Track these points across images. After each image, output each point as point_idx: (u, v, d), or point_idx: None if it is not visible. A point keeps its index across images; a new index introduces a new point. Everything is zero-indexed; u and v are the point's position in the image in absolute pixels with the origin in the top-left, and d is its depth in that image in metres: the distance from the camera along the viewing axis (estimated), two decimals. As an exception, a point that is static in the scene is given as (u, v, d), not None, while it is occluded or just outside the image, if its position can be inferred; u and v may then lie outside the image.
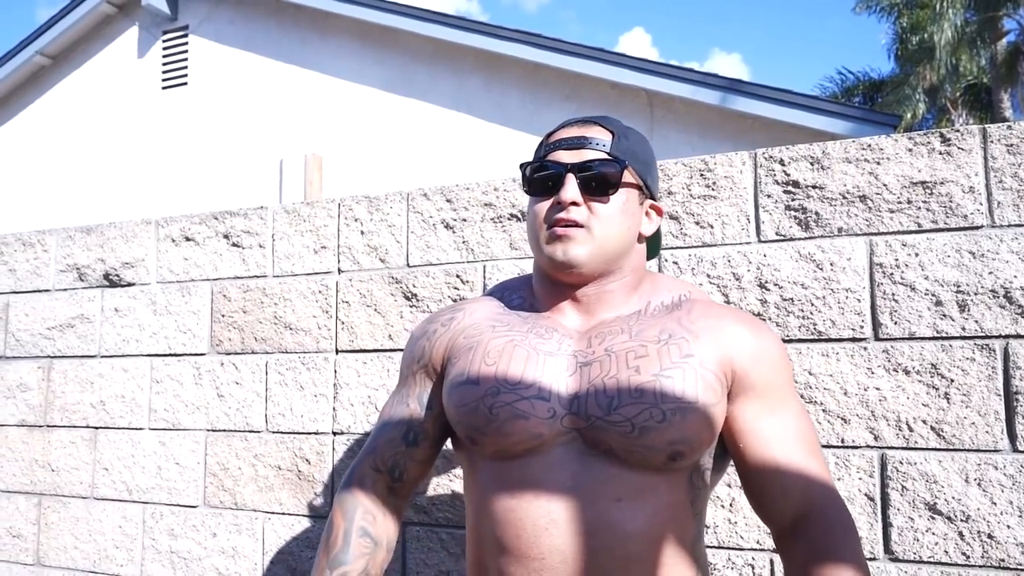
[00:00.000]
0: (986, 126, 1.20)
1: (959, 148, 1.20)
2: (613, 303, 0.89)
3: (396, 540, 0.96)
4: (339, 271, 1.62)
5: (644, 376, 0.81)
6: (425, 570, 1.45)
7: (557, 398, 0.83)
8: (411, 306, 1.54)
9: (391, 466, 0.93)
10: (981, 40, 12.23)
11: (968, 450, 1.15)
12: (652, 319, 0.87)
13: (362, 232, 1.61)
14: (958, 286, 1.18)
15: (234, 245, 1.73)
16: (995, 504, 1.12)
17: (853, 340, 1.22)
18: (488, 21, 5.44)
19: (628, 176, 0.89)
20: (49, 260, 1.93)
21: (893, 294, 1.21)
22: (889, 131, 4.36)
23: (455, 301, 1.50)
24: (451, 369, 0.90)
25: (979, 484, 1.13)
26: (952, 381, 1.17)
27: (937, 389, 1.17)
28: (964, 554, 1.13)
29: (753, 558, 1.24)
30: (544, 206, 0.88)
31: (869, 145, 1.25)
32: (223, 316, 1.71)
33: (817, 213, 1.27)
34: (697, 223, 1.35)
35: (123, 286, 1.84)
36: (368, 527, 0.89)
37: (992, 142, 1.19)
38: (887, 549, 1.17)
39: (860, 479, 1.20)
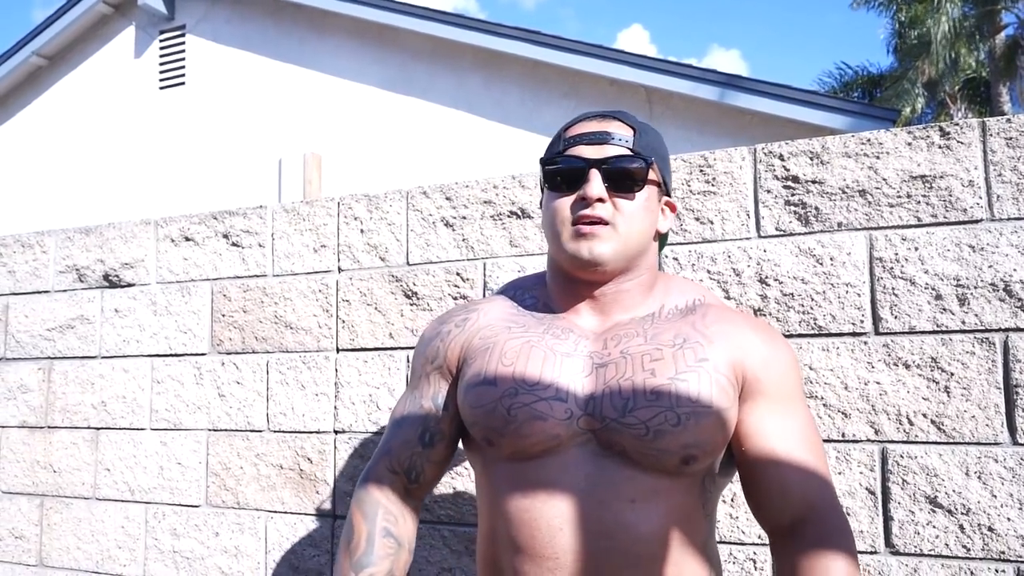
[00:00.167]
0: (985, 120, 1.20)
1: (958, 142, 1.20)
2: (628, 303, 0.89)
3: (415, 542, 0.96)
4: (339, 270, 1.62)
5: (659, 379, 0.81)
6: (427, 567, 1.46)
7: (574, 399, 0.82)
8: (411, 304, 1.54)
9: (408, 467, 0.92)
10: (980, 34, 12.22)
11: (968, 443, 1.15)
12: (666, 323, 0.87)
13: (362, 231, 1.61)
14: (958, 280, 1.18)
15: (234, 245, 1.73)
16: (995, 497, 1.13)
17: (853, 334, 1.23)
18: (487, 19, 5.43)
19: (651, 173, 0.88)
20: (48, 261, 1.93)
21: (893, 288, 1.21)
22: (888, 126, 4.36)
23: (455, 299, 1.50)
24: (467, 370, 0.90)
25: (979, 477, 1.14)
26: (952, 375, 1.17)
27: (937, 383, 1.17)
28: (965, 547, 1.14)
29: (755, 552, 1.25)
30: (566, 202, 0.86)
31: (868, 140, 1.25)
32: (223, 316, 1.71)
33: (817, 208, 1.27)
34: (697, 219, 1.35)
35: (123, 287, 1.84)
36: (391, 527, 0.89)
37: (991, 135, 1.19)
38: (888, 542, 1.18)
39: (861, 473, 1.20)
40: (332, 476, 1.56)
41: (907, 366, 1.19)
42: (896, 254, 1.22)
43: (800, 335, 1.25)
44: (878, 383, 1.20)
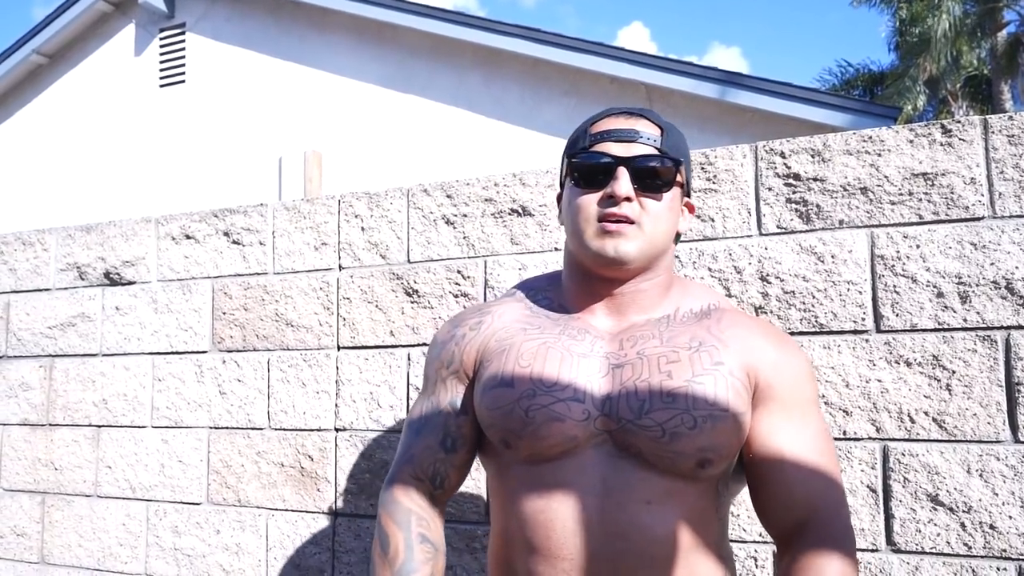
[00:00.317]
0: (987, 117, 1.19)
1: (960, 139, 1.20)
2: (645, 303, 0.88)
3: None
4: (340, 268, 1.62)
5: (676, 381, 0.80)
6: (428, 565, 1.46)
7: (591, 399, 0.82)
8: (412, 302, 1.54)
9: (432, 474, 0.91)
10: (981, 31, 12.20)
11: (970, 441, 1.15)
12: (682, 326, 0.87)
13: (363, 228, 1.61)
14: (960, 277, 1.18)
15: (234, 243, 1.73)
16: (997, 495, 1.13)
17: (855, 332, 1.22)
18: (486, 16, 5.42)
19: (678, 174, 0.88)
20: (49, 259, 1.93)
21: (895, 286, 1.21)
22: (889, 123, 4.35)
23: (456, 297, 1.50)
24: (484, 372, 0.89)
25: (981, 475, 1.14)
26: (954, 372, 1.17)
27: (939, 381, 1.17)
28: (966, 545, 1.14)
29: (756, 550, 1.25)
30: (591, 199, 0.85)
31: (870, 137, 1.25)
32: (224, 314, 1.71)
33: (818, 205, 1.27)
34: (698, 216, 1.34)
35: (124, 284, 1.84)
36: (426, 533, 0.88)
37: (993, 133, 1.18)
38: (889, 540, 1.18)
39: (862, 471, 1.20)
40: (333, 474, 1.56)
41: (908, 364, 1.19)
42: (898, 252, 1.21)
43: (801, 333, 1.25)
44: (879, 381, 1.20)
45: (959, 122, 1.21)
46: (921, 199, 1.21)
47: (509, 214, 1.48)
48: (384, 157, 5.33)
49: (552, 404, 0.82)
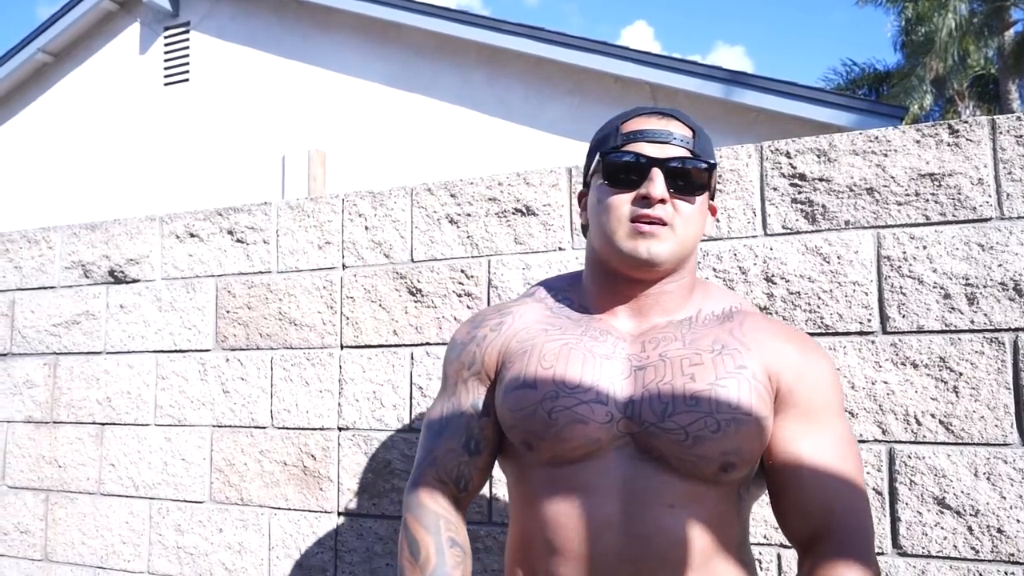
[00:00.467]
0: (995, 117, 1.18)
1: (967, 140, 1.19)
2: (669, 305, 0.88)
3: None
4: (343, 267, 1.62)
5: (699, 384, 0.80)
6: (431, 565, 1.46)
7: (614, 402, 0.82)
8: (416, 301, 1.53)
9: (456, 477, 0.90)
10: (988, 30, 12.14)
11: (977, 444, 1.14)
12: (704, 328, 0.86)
13: (366, 227, 1.60)
14: (967, 279, 1.17)
15: (238, 241, 1.73)
16: (1004, 498, 1.12)
17: (861, 334, 1.22)
18: (490, 15, 5.41)
19: (711, 178, 0.88)
20: (54, 257, 1.93)
21: (901, 287, 1.20)
22: (895, 123, 4.33)
23: (460, 296, 1.50)
24: (505, 374, 0.88)
25: (988, 478, 1.13)
26: (961, 375, 1.16)
27: (946, 383, 1.16)
28: (973, 548, 1.13)
29: (760, 552, 1.24)
30: (623, 199, 0.84)
31: (876, 137, 1.24)
32: (228, 312, 1.71)
33: (824, 206, 1.26)
34: (703, 217, 1.34)
35: (128, 283, 1.84)
36: (455, 536, 0.88)
37: (1001, 133, 1.17)
38: (895, 544, 1.17)
39: (868, 474, 1.19)
40: (336, 473, 1.56)
41: (915, 366, 1.18)
42: (904, 253, 1.20)
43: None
44: (885, 383, 1.19)
45: (966, 122, 1.20)
46: (928, 200, 1.20)
47: (513, 214, 1.48)
48: (388, 156, 5.33)
49: (575, 406, 0.81)
